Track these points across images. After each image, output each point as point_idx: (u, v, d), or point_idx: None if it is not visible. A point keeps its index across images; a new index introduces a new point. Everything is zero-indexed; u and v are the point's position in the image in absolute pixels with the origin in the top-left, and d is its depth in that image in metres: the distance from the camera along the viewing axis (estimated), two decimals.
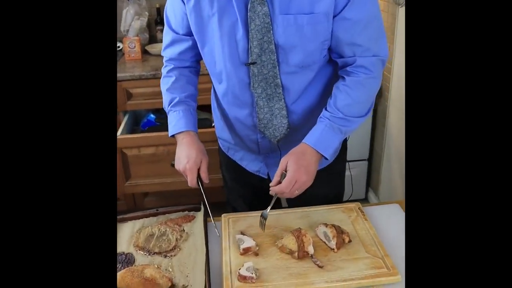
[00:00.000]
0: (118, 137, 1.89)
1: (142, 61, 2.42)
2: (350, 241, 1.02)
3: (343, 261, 0.97)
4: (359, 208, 1.15)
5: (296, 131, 1.13)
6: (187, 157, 1.12)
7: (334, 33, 0.99)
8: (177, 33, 1.16)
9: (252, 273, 0.91)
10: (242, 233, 1.05)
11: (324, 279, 0.92)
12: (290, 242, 0.98)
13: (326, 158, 1.06)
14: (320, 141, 1.05)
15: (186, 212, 1.18)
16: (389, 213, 1.17)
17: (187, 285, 0.92)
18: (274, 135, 1.15)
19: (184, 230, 1.10)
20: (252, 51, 1.01)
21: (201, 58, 1.18)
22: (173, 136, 1.19)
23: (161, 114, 2.34)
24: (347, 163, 1.48)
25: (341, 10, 0.97)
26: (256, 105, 1.11)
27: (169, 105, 1.20)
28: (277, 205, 1.45)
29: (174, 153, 2.00)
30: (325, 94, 1.12)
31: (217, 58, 1.07)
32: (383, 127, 2.26)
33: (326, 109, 1.07)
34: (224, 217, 1.13)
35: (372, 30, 1.00)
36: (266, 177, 1.30)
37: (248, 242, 1.00)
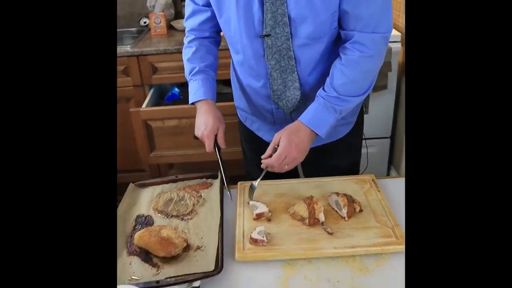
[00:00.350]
0: (142, 110, 1.95)
1: (167, 36, 2.46)
2: (361, 210, 1.04)
3: (353, 229, 0.99)
4: (372, 180, 1.17)
5: (308, 104, 1.15)
6: (204, 124, 1.17)
7: (340, 3, 0.99)
8: (197, 4, 1.19)
9: (263, 237, 0.95)
10: (256, 200, 1.09)
11: (333, 245, 0.94)
12: (302, 209, 1.01)
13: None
14: (314, 120, 1.07)
15: (204, 179, 1.22)
16: (402, 185, 1.18)
17: (201, 246, 0.97)
18: (287, 106, 1.18)
19: (201, 196, 1.15)
20: (266, 24, 1.03)
21: (220, 29, 1.20)
22: (193, 104, 1.24)
23: (186, 87, 2.38)
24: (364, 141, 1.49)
25: None
26: (270, 77, 1.13)
27: (189, 74, 1.24)
28: (294, 176, 1.48)
29: None
30: None
31: (233, 29, 1.09)
32: None
33: (323, 88, 1.08)
34: (240, 184, 1.17)
35: (377, 2, 0.99)
36: None
37: (262, 208, 1.04)
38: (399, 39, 2.17)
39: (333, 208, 1.06)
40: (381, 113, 2.31)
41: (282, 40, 1.05)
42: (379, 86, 2.20)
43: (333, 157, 1.25)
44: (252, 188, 1.11)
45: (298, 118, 1.09)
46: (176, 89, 2.30)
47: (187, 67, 1.26)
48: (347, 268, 0.90)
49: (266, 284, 0.87)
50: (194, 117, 2.01)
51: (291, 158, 1.05)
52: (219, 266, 0.88)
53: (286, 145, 1.05)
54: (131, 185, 1.20)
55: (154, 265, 0.93)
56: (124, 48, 2.22)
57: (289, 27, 1.03)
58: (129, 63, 2.23)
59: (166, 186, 1.21)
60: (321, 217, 1.00)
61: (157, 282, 0.86)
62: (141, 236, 0.97)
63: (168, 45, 2.25)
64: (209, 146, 1.16)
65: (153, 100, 2.24)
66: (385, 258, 0.92)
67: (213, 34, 1.28)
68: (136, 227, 1.05)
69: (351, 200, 1.03)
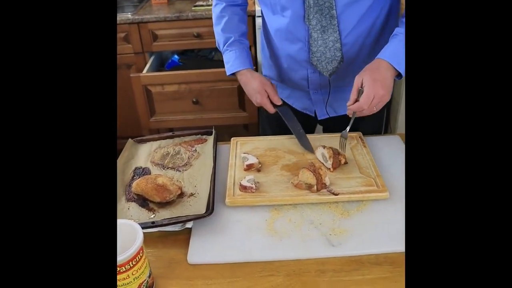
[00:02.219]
0: (143, 75, 2.00)
1: (168, 5, 2.49)
2: (346, 162, 1.10)
3: (337, 179, 1.05)
4: (359, 137, 1.22)
5: (348, 66, 1.15)
6: (253, 93, 1.20)
7: None
8: None
9: (252, 184, 1.01)
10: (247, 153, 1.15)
11: (317, 192, 1.01)
12: (308, 177, 1.01)
13: (398, 75, 1.05)
14: (394, 55, 1.04)
15: (199, 135, 1.28)
16: (389, 143, 1.23)
17: (195, 193, 1.03)
18: (326, 69, 1.18)
19: (196, 150, 1.21)
20: None
21: None
22: (232, 75, 1.26)
23: (185, 55, 2.42)
24: None
25: None
26: (310, 38, 1.13)
27: (224, 45, 1.25)
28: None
29: (195, 90, 2.11)
30: (377, 27, 1.13)
31: None
32: None
33: (398, 27, 1.07)
34: (233, 140, 1.23)
35: None
36: (313, 114, 1.35)
37: (252, 159, 1.10)
38: None
39: (320, 161, 1.12)
40: None
41: None
42: None
43: (361, 122, 1.20)
44: (344, 138, 1.11)
45: (377, 56, 1.05)
46: (176, 56, 2.35)
47: (220, 37, 1.26)
48: (329, 212, 0.97)
49: (254, 226, 0.94)
50: (193, 82, 2.07)
51: (379, 96, 1.01)
52: (210, 209, 0.95)
53: (372, 84, 1.01)
54: (129, 141, 1.26)
55: (150, 209, 1.00)
56: (125, 16, 2.26)
57: None
58: (130, 30, 2.27)
59: (163, 141, 1.27)
60: (327, 181, 1.02)
61: (153, 222, 0.93)
62: (138, 184, 1.03)
63: (168, 13, 2.28)
64: (269, 109, 1.19)
65: (153, 68, 2.29)
66: (366, 204, 0.99)
67: (243, 1, 1.28)
68: (134, 177, 1.12)
69: (336, 153, 1.09)
